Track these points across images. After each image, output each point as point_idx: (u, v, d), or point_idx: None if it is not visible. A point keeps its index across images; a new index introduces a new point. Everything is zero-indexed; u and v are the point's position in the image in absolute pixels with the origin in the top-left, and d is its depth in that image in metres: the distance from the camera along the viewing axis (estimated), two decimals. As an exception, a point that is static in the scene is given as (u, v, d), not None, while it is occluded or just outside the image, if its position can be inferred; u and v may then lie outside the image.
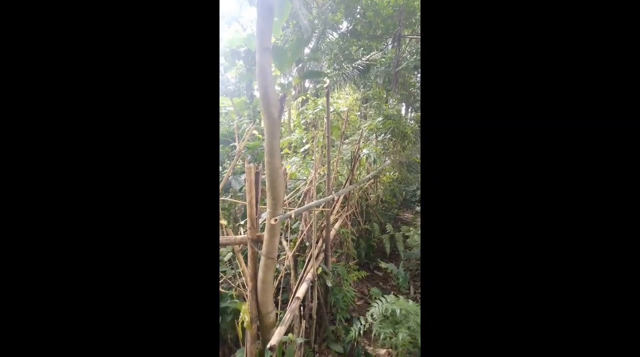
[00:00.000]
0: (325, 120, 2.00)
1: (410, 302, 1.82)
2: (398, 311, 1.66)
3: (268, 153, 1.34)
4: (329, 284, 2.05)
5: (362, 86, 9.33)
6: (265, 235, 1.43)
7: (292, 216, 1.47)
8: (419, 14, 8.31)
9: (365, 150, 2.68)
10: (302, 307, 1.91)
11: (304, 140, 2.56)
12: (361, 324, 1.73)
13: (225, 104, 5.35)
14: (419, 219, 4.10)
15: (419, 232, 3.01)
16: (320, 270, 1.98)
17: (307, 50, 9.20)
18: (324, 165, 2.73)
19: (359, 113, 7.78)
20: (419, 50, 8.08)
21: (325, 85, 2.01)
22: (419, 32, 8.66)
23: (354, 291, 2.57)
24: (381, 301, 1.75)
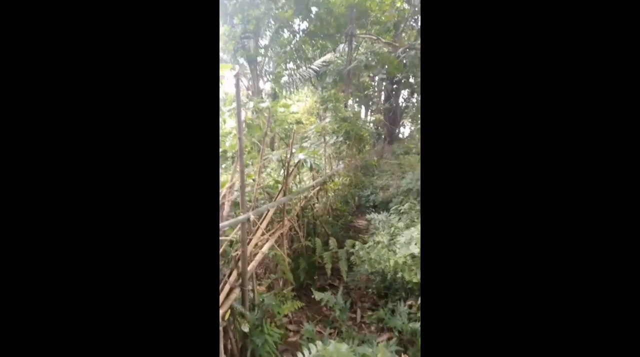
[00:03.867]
0: (237, 117, 1.55)
1: (344, 346, 1.43)
2: (323, 369, 1.25)
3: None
4: (245, 329, 1.59)
5: (319, 88, 9.04)
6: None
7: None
8: (372, 15, 8.21)
9: (300, 155, 2.27)
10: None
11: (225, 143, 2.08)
12: (277, 388, 1.30)
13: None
14: (372, 226, 3.80)
15: (369, 244, 2.67)
16: (228, 315, 1.52)
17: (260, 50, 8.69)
18: (251, 174, 2.27)
19: (318, 116, 7.46)
20: (373, 50, 7.97)
21: (234, 73, 1.56)
22: (372, 32, 8.57)
23: (285, 327, 2.14)
24: (303, 353, 1.34)
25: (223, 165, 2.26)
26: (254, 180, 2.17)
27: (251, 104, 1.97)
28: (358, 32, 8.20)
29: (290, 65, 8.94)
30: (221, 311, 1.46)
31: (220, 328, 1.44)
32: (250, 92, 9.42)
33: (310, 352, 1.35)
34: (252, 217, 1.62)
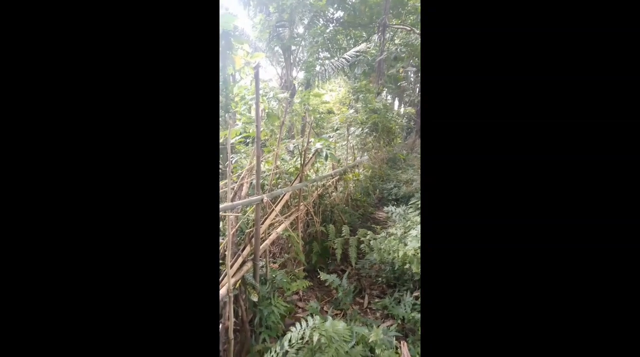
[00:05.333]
0: (255, 106, 1.68)
1: (341, 324, 1.55)
2: (316, 338, 1.38)
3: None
4: (254, 299, 1.76)
5: (352, 78, 8.98)
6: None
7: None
8: (410, 4, 7.93)
9: (318, 144, 2.37)
10: (219, 326, 1.63)
11: (242, 132, 2.24)
12: (275, 351, 1.45)
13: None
14: (390, 219, 3.83)
15: (381, 235, 2.73)
16: (239, 284, 1.70)
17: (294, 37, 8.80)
18: (270, 160, 2.42)
19: (350, 106, 7.46)
20: (406, 41, 7.73)
21: (254, 65, 1.69)
22: (408, 22, 8.28)
23: (294, 303, 2.29)
24: (300, 324, 1.48)
25: (242, 151, 2.42)
26: (272, 166, 2.32)
27: (271, 94, 2.09)
28: (394, 22, 7.98)
29: (324, 54, 8.95)
30: (233, 280, 1.63)
31: (232, 295, 1.62)
32: (283, 81, 9.60)
33: (307, 324, 1.48)
34: (265, 199, 1.77)
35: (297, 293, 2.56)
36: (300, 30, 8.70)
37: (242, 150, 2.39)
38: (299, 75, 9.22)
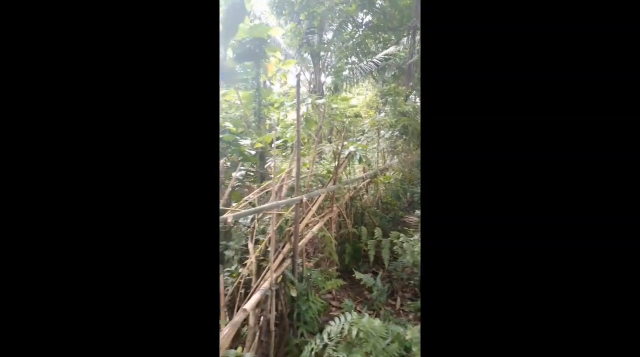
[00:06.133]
0: (297, 112, 1.80)
1: (377, 321, 1.60)
2: (355, 332, 1.44)
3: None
4: (293, 294, 1.86)
5: (380, 81, 8.96)
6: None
7: (230, 220, 1.29)
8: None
9: (351, 148, 2.45)
10: (261, 318, 1.75)
11: (277, 138, 2.37)
12: (315, 343, 1.54)
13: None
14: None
15: (414, 238, 2.74)
16: (280, 279, 1.80)
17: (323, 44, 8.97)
18: (306, 163, 2.53)
19: (377, 109, 7.46)
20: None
21: (296, 74, 1.81)
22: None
23: (328, 301, 2.37)
24: (339, 319, 1.55)
25: (283, 154, 2.55)
26: (308, 168, 2.42)
27: (309, 100, 2.21)
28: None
29: (353, 59, 9.03)
30: (274, 275, 1.74)
31: (274, 289, 1.73)
32: (312, 86, 9.79)
33: (346, 319, 1.55)
34: (305, 199, 1.87)
35: (330, 292, 2.63)
36: (330, 36, 8.86)
37: (283, 154, 2.52)
38: (327, 80, 9.37)
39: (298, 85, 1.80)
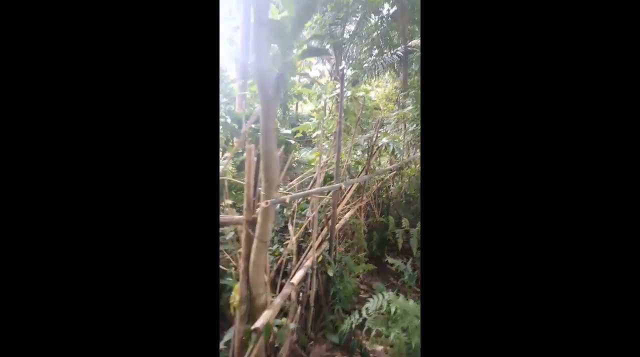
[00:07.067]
0: (338, 105, 1.91)
1: (411, 302, 1.73)
2: (393, 309, 1.57)
3: (262, 135, 1.30)
4: (330, 274, 2.01)
5: (400, 74, 8.88)
6: (259, 218, 1.41)
7: (287, 201, 1.43)
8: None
9: (384, 139, 2.54)
10: (300, 294, 1.90)
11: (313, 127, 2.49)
12: (355, 318, 1.68)
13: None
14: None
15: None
16: (320, 258, 1.95)
17: (346, 35, 8.94)
18: (342, 154, 2.65)
19: (396, 102, 7.44)
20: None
21: (340, 67, 1.91)
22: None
23: (358, 284, 2.50)
24: (377, 296, 1.68)
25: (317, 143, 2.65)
26: (343, 159, 2.54)
27: (348, 93, 2.31)
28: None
29: (375, 51, 8.96)
30: (315, 255, 1.89)
31: (315, 267, 1.87)
32: (333, 78, 9.81)
33: (384, 297, 1.68)
34: (343, 187, 1.99)
35: (358, 276, 2.78)
36: (352, 27, 8.80)
37: (324, 143, 2.65)
38: (348, 72, 9.35)
39: (342, 79, 1.90)
